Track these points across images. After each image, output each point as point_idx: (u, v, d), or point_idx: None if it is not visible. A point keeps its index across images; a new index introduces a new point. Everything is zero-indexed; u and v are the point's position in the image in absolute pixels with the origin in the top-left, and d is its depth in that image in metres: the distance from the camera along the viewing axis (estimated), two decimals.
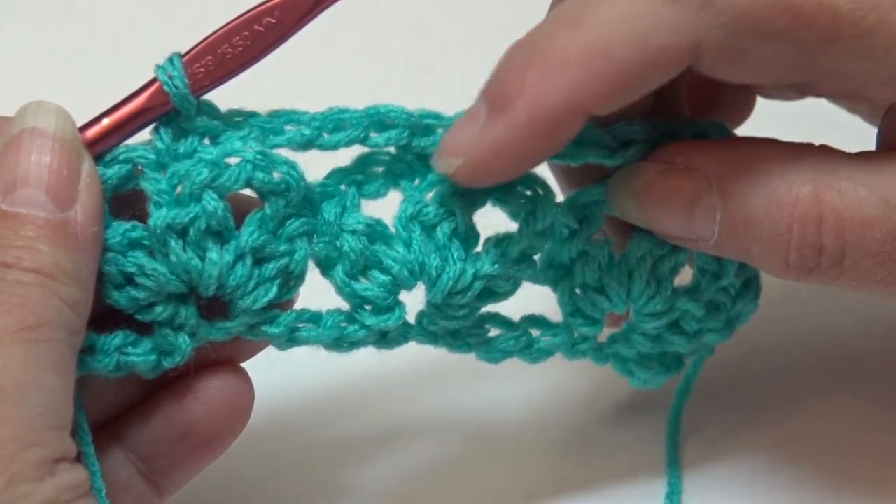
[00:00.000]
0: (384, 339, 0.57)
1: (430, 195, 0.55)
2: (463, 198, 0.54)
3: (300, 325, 0.55)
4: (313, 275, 0.56)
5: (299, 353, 0.57)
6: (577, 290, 0.57)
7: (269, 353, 0.57)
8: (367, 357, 0.58)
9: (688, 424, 0.65)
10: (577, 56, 0.49)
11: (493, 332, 0.58)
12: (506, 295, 0.56)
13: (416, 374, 0.67)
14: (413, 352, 0.58)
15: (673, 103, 0.58)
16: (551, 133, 0.50)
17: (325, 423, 0.67)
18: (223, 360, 0.56)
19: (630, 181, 0.54)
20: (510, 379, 0.66)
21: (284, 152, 0.54)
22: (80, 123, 0.51)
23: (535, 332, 0.58)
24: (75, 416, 0.52)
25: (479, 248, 0.55)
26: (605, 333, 0.59)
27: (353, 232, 0.55)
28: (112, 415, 0.56)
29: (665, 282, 0.57)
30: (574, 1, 0.50)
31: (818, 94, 0.55)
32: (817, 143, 0.53)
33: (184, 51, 0.52)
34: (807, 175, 0.51)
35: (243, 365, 0.57)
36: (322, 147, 0.54)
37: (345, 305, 0.56)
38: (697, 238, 0.53)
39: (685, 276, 0.58)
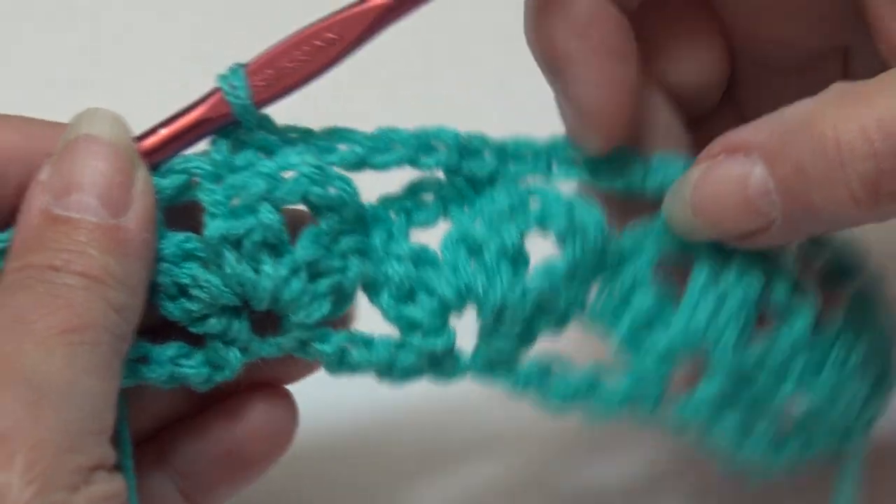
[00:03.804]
0: (438, 368, 0.56)
1: (477, 220, 0.55)
2: (511, 220, 0.54)
3: (351, 346, 0.54)
4: (365, 306, 0.55)
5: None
6: (642, 328, 0.55)
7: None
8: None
9: None
10: None
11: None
12: (561, 320, 0.55)
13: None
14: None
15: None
16: (593, 24, 0.51)
17: (372, 445, 0.66)
18: (270, 381, 0.56)
19: (681, 192, 0.53)
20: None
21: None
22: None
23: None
24: (117, 425, 0.52)
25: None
26: None
27: (399, 257, 0.54)
28: (156, 429, 0.56)
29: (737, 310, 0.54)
30: None
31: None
32: None
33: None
34: (830, 98, 0.49)
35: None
36: (373, 166, 0.54)
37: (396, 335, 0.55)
38: (763, 218, 0.51)
39: None
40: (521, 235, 0.54)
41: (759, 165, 0.50)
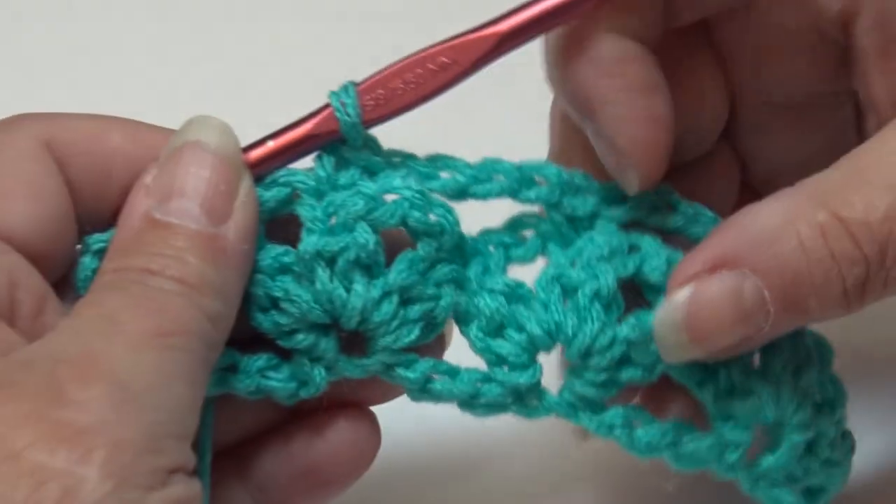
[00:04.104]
0: (523, 404, 0.55)
1: (575, 260, 0.54)
2: (608, 263, 0.53)
3: (435, 376, 0.54)
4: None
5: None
6: (726, 393, 0.54)
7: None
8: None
9: None
10: None
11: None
12: (647, 372, 0.54)
13: None
14: None
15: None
16: (623, 61, 0.51)
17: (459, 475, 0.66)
18: (355, 401, 0.55)
19: (670, 317, 0.51)
20: None
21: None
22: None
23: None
24: (200, 433, 0.52)
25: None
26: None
27: (492, 291, 0.54)
28: (240, 441, 0.56)
29: (809, 389, 0.55)
30: None
31: (765, 17, 0.55)
32: None
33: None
34: (814, 206, 0.49)
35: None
36: (474, 196, 0.54)
37: (484, 367, 0.54)
38: (756, 330, 0.50)
39: None
40: (617, 280, 0.53)
41: (751, 279, 0.49)
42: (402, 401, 0.56)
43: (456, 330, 0.55)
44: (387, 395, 0.56)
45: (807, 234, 0.49)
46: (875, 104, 0.54)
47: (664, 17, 0.54)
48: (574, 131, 0.56)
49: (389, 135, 0.53)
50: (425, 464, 0.66)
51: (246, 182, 0.50)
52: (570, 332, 0.53)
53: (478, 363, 0.54)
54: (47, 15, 0.91)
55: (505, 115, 0.80)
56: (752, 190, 0.62)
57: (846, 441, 0.58)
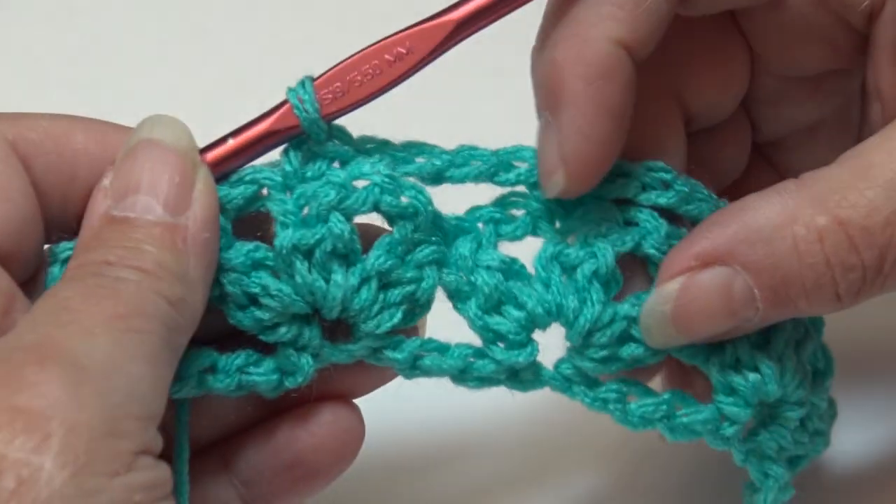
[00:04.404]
0: (517, 379, 0.55)
1: (572, 237, 0.54)
2: (606, 240, 0.53)
3: (425, 354, 0.54)
4: (445, 308, 0.54)
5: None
6: (731, 368, 0.53)
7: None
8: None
9: None
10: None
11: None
12: (656, 352, 0.53)
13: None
14: None
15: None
16: (608, 85, 0.51)
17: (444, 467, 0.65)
18: (338, 393, 0.55)
19: (658, 308, 0.52)
20: None
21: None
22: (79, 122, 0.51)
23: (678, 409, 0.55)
24: (177, 431, 0.52)
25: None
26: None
27: (488, 268, 0.53)
28: (222, 435, 0.56)
29: (808, 365, 0.54)
30: None
31: (795, 12, 0.55)
32: None
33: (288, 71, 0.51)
34: (815, 207, 0.49)
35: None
36: (451, 180, 0.54)
37: (476, 342, 0.54)
38: (744, 322, 0.51)
39: None
40: (616, 256, 0.53)
41: (742, 276, 0.50)
42: (389, 390, 0.57)
43: (442, 307, 0.54)
44: (370, 386, 0.57)
45: (803, 236, 0.49)
46: (882, 95, 0.54)
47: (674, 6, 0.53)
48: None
49: (372, 126, 0.53)
50: (411, 455, 0.66)
51: (203, 174, 0.50)
52: (570, 315, 0.52)
53: (463, 334, 0.54)
54: (47, 15, 0.92)
55: (489, 109, 0.79)
56: (760, 151, 0.62)
57: (831, 409, 0.58)
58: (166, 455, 0.46)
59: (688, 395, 0.55)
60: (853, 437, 0.63)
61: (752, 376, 0.53)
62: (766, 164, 0.63)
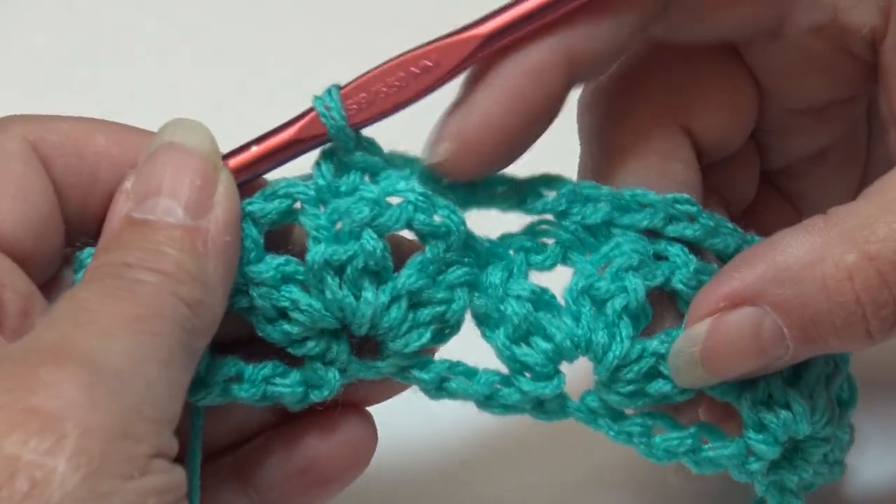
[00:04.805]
0: (541, 409, 0.55)
1: (603, 269, 0.53)
2: (637, 273, 0.52)
3: (452, 377, 0.54)
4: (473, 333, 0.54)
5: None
6: (762, 405, 0.53)
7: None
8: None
9: None
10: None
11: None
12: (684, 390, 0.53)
13: None
14: None
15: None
16: (535, 84, 0.51)
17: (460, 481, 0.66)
18: (351, 401, 0.55)
19: (687, 350, 0.52)
20: None
21: None
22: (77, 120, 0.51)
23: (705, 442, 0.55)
24: (190, 436, 0.52)
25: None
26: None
27: (518, 297, 0.53)
28: (237, 441, 0.56)
29: (835, 402, 0.54)
30: None
31: (794, 42, 0.55)
32: None
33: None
34: (843, 245, 0.49)
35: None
36: (478, 204, 0.54)
37: (503, 368, 0.54)
38: (774, 360, 0.51)
39: None
40: (647, 291, 0.53)
41: (771, 315, 0.50)
42: (404, 399, 0.57)
43: (469, 331, 0.54)
44: (384, 395, 0.57)
45: (833, 275, 0.49)
46: None
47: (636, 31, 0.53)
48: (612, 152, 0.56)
49: (390, 139, 0.53)
50: (424, 464, 0.66)
51: (224, 178, 0.50)
52: (599, 351, 0.52)
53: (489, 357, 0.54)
54: (48, 15, 0.92)
55: None
56: (768, 178, 0.62)
57: (850, 437, 0.57)
58: (181, 458, 0.46)
59: (714, 428, 0.54)
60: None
61: (784, 414, 0.53)
62: (774, 192, 0.63)
